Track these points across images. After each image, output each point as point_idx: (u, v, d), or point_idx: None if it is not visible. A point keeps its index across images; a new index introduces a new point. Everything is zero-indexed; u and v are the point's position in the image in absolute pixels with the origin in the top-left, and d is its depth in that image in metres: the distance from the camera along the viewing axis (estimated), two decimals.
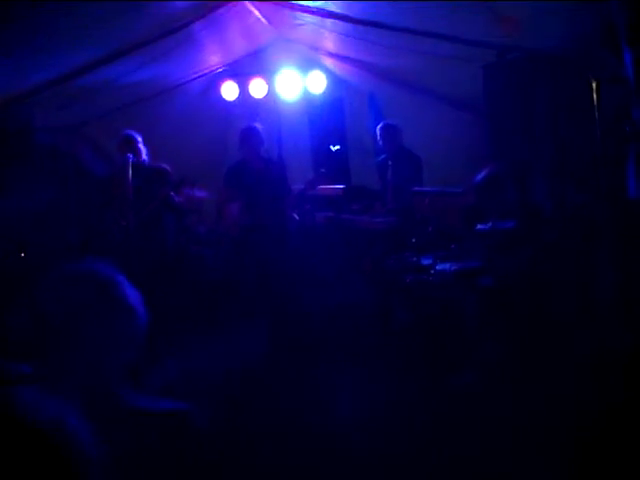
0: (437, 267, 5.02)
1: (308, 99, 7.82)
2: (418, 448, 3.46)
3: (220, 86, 7.69)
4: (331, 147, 6.94)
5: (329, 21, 5.94)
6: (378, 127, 6.42)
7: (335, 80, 7.79)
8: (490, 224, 4.81)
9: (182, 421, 1.56)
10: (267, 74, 7.58)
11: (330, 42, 7.00)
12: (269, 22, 6.77)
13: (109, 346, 1.53)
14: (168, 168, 6.03)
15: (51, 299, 1.53)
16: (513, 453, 3.24)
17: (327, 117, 8.23)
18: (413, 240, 5.36)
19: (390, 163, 6.33)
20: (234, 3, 5.76)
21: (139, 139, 5.88)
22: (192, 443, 1.55)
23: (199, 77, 7.72)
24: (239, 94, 7.67)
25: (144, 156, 5.90)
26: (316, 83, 7.54)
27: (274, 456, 3.45)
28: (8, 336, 1.54)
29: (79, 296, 1.53)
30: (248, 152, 6.16)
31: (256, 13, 6.32)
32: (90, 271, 1.58)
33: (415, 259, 5.23)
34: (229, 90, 7.65)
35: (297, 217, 6.66)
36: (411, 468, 3.27)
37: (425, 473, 3.22)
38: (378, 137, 6.39)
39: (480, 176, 4.92)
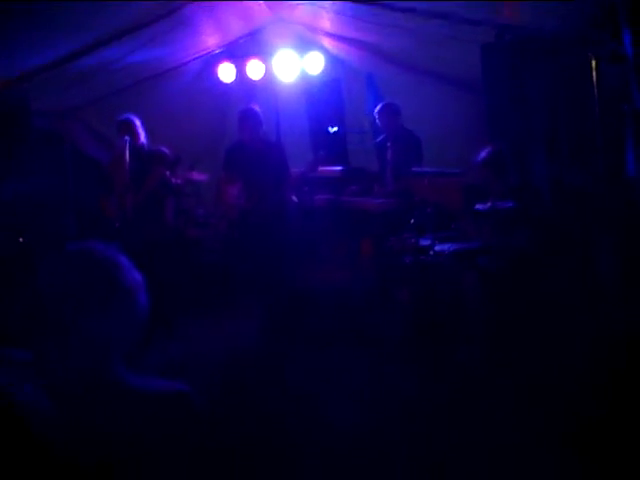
0: (436, 248, 5.03)
1: (306, 80, 7.77)
2: (417, 431, 3.47)
3: (217, 68, 7.64)
4: (329, 128, 6.90)
5: (327, 1, 5.90)
6: (377, 107, 6.39)
7: (333, 61, 7.74)
8: (489, 204, 4.81)
9: (181, 402, 1.57)
10: (264, 55, 7.53)
11: (328, 22, 6.95)
12: (265, 3, 6.72)
13: (109, 327, 1.53)
14: (166, 151, 6.01)
15: (51, 279, 1.54)
16: (513, 436, 3.25)
17: (325, 98, 8.19)
18: (412, 221, 5.36)
19: (389, 144, 6.31)
20: None
21: (137, 123, 5.86)
22: (191, 424, 1.56)
23: (196, 59, 7.67)
24: (236, 76, 7.63)
25: (142, 139, 5.88)
26: (314, 64, 7.49)
27: (272, 438, 3.47)
28: (9, 318, 1.55)
29: (80, 276, 1.54)
30: (247, 134, 6.13)
31: None
32: (91, 252, 1.58)
33: (414, 240, 5.23)
34: (226, 72, 7.61)
35: (296, 199, 6.65)
36: (411, 450, 3.29)
37: (424, 456, 3.24)
38: (377, 118, 6.37)
39: (482, 154, 4.91)
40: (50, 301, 1.51)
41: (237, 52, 7.76)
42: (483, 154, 4.91)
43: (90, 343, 1.51)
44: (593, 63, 4.73)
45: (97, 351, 1.53)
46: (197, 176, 6.90)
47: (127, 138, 5.49)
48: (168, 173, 5.95)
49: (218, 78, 7.64)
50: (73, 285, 1.52)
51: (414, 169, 5.61)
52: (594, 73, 4.73)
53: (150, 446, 1.49)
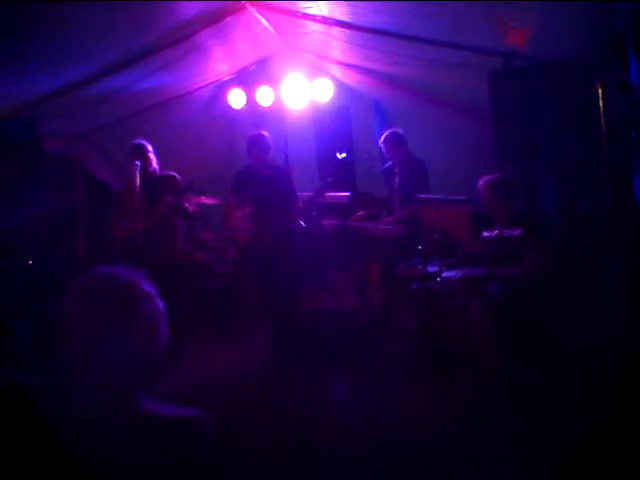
0: (443, 274, 5.03)
1: (314, 107, 7.85)
2: (417, 451, 3.45)
3: (227, 94, 7.74)
4: (337, 154, 6.96)
5: (335, 29, 5.97)
6: (383, 136, 6.43)
7: (341, 88, 7.83)
8: (496, 231, 4.81)
9: (195, 427, 1.57)
10: (274, 82, 7.62)
11: (337, 50, 7.03)
12: (276, 31, 6.81)
13: (130, 354, 1.53)
14: (176, 175, 6.06)
15: (76, 303, 1.54)
16: (510, 460, 3.22)
17: (333, 125, 8.26)
18: (419, 247, 5.36)
19: (396, 170, 6.35)
20: (241, 12, 5.81)
21: (149, 148, 5.91)
22: (204, 448, 1.55)
23: (206, 85, 7.76)
24: (246, 102, 7.72)
25: (154, 165, 5.92)
26: (323, 91, 7.58)
27: (282, 459, 3.46)
28: (21, 341, 1.57)
29: (104, 302, 1.54)
30: (255, 159, 6.18)
31: (263, 22, 6.36)
32: (117, 278, 1.58)
33: (421, 266, 5.23)
34: (236, 98, 7.70)
35: (304, 224, 6.67)
36: (408, 470, 3.27)
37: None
38: (382, 146, 6.41)
39: (488, 179, 4.92)
40: (74, 324, 1.51)
41: (247, 79, 7.86)
42: (489, 179, 4.92)
43: (109, 369, 1.52)
44: (600, 91, 4.75)
45: (115, 377, 1.53)
46: (206, 200, 6.94)
47: (138, 163, 5.53)
48: (179, 198, 5.98)
49: (228, 104, 7.73)
50: (97, 310, 1.53)
51: (421, 195, 5.63)
52: (601, 101, 4.75)
53: (163, 469, 1.49)
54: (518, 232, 4.75)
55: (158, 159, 6.01)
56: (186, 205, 5.94)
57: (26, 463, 1.37)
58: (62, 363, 1.52)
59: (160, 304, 1.61)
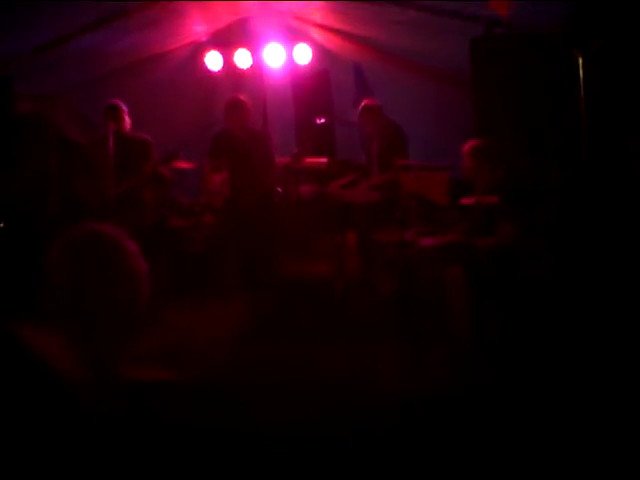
0: (420, 241, 5.03)
1: (293, 70, 7.74)
2: (397, 424, 3.48)
3: (204, 56, 7.59)
4: (316, 119, 6.88)
5: None
6: (359, 108, 6.38)
7: (321, 51, 7.71)
8: (474, 198, 4.82)
9: (168, 389, 1.57)
10: (252, 44, 7.49)
11: (316, 13, 6.93)
12: None
13: (112, 312, 1.53)
14: (149, 139, 5.96)
15: (59, 260, 1.52)
16: (490, 435, 3.26)
17: (313, 89, 8.15)
18: (397, 214, 5.36)
19: (374, 136, 6.31)
20: None
21: (125, 109, 5.81)
22: (182, 412, 1.56)
23: (182, 46, 7.61)
24: (223, 64, 7.57)
25: (127, 126, 5.83)
26: (302, 54, 7.46)
27: (259, 424, 3.48)
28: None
29: (87, 261, 1.53)
30: (233, 123, 6.11)
31: None
32: (100, 236, 1.57)
33: (398, 233, 5.23)
34: (213, 60, 7.55)
35: (281, 190, 6.63)
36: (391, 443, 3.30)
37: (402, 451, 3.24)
38: (359, 118, 6.37)
39: (474, 143, 4.90)
40: (58, 280, 1.50)
41: (224, 40, 7.70)
42: (475, 144, 4.90)
43: (92, 328, 1.51)
44: (580, 60, 4.75)
45: (98, 335, 1.52)
46: (182, 165, 6.85)
47: (112, 124, 5.44)
48: (157, 166, 5.91)
49: (205, 66, 7.59)
50: (81, 267, 1.52)
51: (400, 162, 5.61)
52: (581, 70, 4.75)
53: (142, 433, 1.49)
54: (495, 200, 4.76)
55: (134, 121, 5.91)
56: (161, 170, 5.87)
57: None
58: (46, 319, 1.50)
59: (143, 263, 1.60)
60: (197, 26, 7.24)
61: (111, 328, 1.55)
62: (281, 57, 7.38)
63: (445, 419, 3.44)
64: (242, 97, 6.17)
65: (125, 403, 1.48)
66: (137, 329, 1.64)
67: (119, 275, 1.54)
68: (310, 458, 3.15)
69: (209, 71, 7.59)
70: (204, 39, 7.69)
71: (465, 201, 4.93)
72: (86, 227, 1.60)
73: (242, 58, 7.46)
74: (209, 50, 7.54)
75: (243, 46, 7.46)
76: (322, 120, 6.85)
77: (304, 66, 7.56)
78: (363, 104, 6.36)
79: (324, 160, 6.94)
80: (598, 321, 4.14)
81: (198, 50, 7.70)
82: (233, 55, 7.46)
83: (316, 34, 7.61)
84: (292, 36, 7.48)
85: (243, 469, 2.94)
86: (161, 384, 1.57)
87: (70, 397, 1.14)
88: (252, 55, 7.46)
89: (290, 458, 3.15)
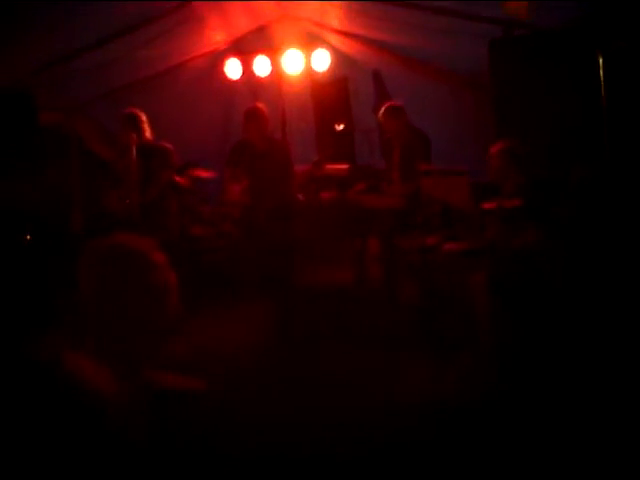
0: (443, 247, 4.99)
1: (312, 77, 7.73)
2: (418, 429, 3.44)
3: (223, 64, 7.61)
4: (336, 126, 6.86)
5: None
6: (381, 110, 6.32)
7: (340, 57, 7.69)
8: (496, 203, 4.76)
9: (198, 398, 1.57)
10: (271, 51, 7.50)
11: (335, 19, 6.92)
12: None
13: (140, 325, 1.52)
14: (170, 147, 5.99)
15: (88, 273, 1.52)
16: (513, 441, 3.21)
17: (332, 95, 8.15)
18: (419, 219, 5.31)
19: (396, 142, 6.26)
20: None
21: (143, 118, 5.84)
22: (207, 419, 1.55)
23: (202, 55, 7.64)
24: (242, 72, 7.59)
25: (148, 135, 5.86)
26: (321, 61, 7.45)
27: (281, 429, 3.47)
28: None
29: (115, 273, 1.52)
30: (252, 132, 6.11)
31: None
32: (128, 247, 1.56)
33: (421, 239, 5.19)
34: (232, 68, 7.57)
35: (302, 197, 6.62)
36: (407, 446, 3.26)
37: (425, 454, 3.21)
38: (381, 120, 6.30)
39: (499, 145, 4.86)
40: (85, 294, 1.49)
41: (244, 48, 7.72)
42: (504, 146, 4.85)
43: (120, 340, 1.50)
44: (600, 60, 4.68)
45: (126, 346, 1.51)
46: (202, 173, 6.87)
47: (132, 133, 5.47)
48: (177, 175, 5.93)
49: (224, 74, 7.61)
50: (109, 279, 1.51)
51: (421, 167, 5.56)
52: (601, 70, 4.68)
53: (166, 439, 1.48)
54: (518, 203, 4.70)
55: (153, 130, 5.94)
56: (178, 179, 5.90)
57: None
58: (72, 334, 1.50)
59: (171, 274, 1.58)
60: (216, 34, 7.27)
61: (139, 340, 1.54)
62: (300, 64, 7.38)
63: (465, 428, 3.39)
64: (260, 105, 6.17)
65: (151, 412, 1.47)
66: (167, 338, 1.64)
67: (147, 287, 1.54)
68: (329, 465, 3.13)
69: (228, 79, 7.62)
70: (223, 47, 7.72)
71: (487, 205, 4.88)
72: (114, 239, 1.59)
73: (261, 65, 7.47)
74: (228, 58, 7.56)
75: (262, 53, 7.48)
76: (341, 127, 6.82)
77: (323, 73, 7.55)
78: (387, 105, 6.29)
79: (345, 167, 6.92)
80: (623, 327, 4.06)
81: (218, 59, 7.73)
82: (252, 63, 7.48)
83: (335, 40, 7.60)
84: (311, 42, 7.48)
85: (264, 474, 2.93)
86: (187, 393, 1.56)
87: (102, 417, 1.14)
88: (271, 62, 7.47)
89: (309, 464, 3.13)
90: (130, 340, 1.52)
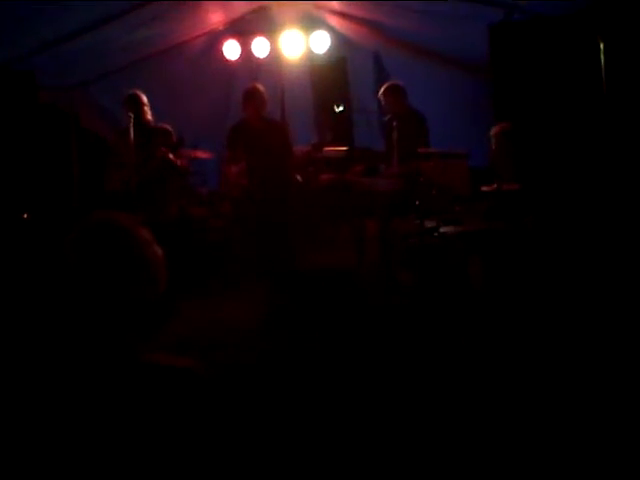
0: (441, 230, 5.01)
1: (311, 58, 7.71)
2: (417, 416, 3.47)
3: (222, 45, 7.57)
4: (335, 108, 6.85)
5: None
6: (382, 87, 6.31)
7: (339, 39, 7.66)
8: (495, 186, 4.79)
9: (192, 375, 1.59)
10: (270, 33, 7.46)
11: (334, 0, 6.89)
12: None
13: (129, 299, 1.54)
14: (170, 128, 5.99)
15: (75, 250, 1.54)
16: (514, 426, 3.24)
17: (331, 77, 8.12)
18: (417, 202, 5.33)
19: (395, 124, 6.26)
20: None
21: (144, 99, 5.84)
22: (202, 397, 1.58)
23: (200, 36, 7.60)
24: (241, 53, 7.56)
25: (148, 116, 5.87)
26: (320, 42, 7.42)
27: (275, 410, 3.51)
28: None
29: (102, 248, 1.54)
30: (251, 113, 6.11)
31: None
32: (114, 224, 1.59)
33: (419, 221, 5.21)
34: (231, 49, 7.53)
35: (300, 179, 6.63)
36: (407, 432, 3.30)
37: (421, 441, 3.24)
38: (382, 98, 6.29)
39: (502, 125, 4.88)
40: (74, 271, 1.52)
41: (242, 29, 7.68)
42: (504, 127, 4.89)
43: (110, 315, 1.53)
44: (602, 46, 4.69)
45: (115, 322, 1.54)
46: (201, 154, 6.87)
47: (131, 114, 5.48)
48: (171, 153, 5.93)
49: (223, 55, 7.58)
50: (96, 256, 1.53)
51: (420, 150, 5.57)
52: (602, 56, 4.69)
53: (156, 415, 1.50)
54: (516, 187, 4.73)
55: (153, 112, 5.94)
56: (173, 158, 5.90)
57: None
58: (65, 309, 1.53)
59: (158, 250, 1.61)
60: (215, 15, 7.22)
61: (129, 314, 1.56)
62: (299, 45, 7.35)
63: (462, 409, 3.44)
64: (258, 86, 6.17)
65: (142, 384, 1.50)
66: (156, 318, 1.66)
67: (132, 261, 1.55)
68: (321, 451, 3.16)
69: (227, 60, 7.58)
70: (222, 28, 7.68)
71: (485, 188, 4.91)
72: (97, 216, 1.62)
73: (260, 47, 7.44)
74: (227, 39, 7.52)
75: (261, 34, 7.44)
76: (340, 108, 6.81)
77: (322, 54, 7.53)
78: (387, 84, 6.27)
79: (344, 148, 6.92)
80: (619, 311, 4.11)
81: (216, 39, 7.68)
82: (251, 44, 7.44)
83: (334, 22, 7.57)
84: (310, 24, 7.45)
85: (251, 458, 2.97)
86: (178, 370, 1.58)
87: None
88: (270, 43, 7.44)
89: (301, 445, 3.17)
90: (119, 313, 1.54)
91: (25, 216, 5.87)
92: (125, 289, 1.53)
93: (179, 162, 5.99)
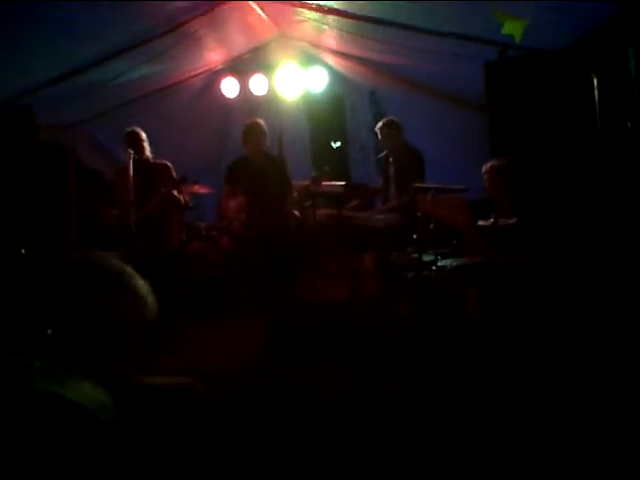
0: (438, 263, 5.02)
1: (308, 96, 7.81)
2: (412, 446, 3.44)
3: (220, 83, 7.68)
4: (332, 144, 6.91)
5: (330, 17, 5.95)
6: (379, 124, 6.40)
7: (336, 77, 7.79)
8: (492, 220, 4.82)
9: (186, 393, 1.59)
10: (268, 71, 7.58)
11: (331, 39, 7.00)
12: (270, 18, 6.77)
13: (122, 331, 1.55)
14: (169, 164, 6.03)
15: (57, 289, 1.56)
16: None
17: (328, 114, 8.22)
18: (414, 236, 5.35)
19: (391, 159, 6.32)
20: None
21: (143, 136, 5.89)
22: (197, 414, 1.58)
23: (200, 74, 7.71)
24: (239, 91, 7.66)
25: (147, 153, 5.91)
26: (317, 80, 7.54)
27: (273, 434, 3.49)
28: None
29: (84, 286, 1.56)
30: (250, 148, 6.16)
31: (257, 9, 6.32)
32: (94, 261, 1.61)
33: (416, 255, 5.22)
34: (229, 87, 7.64)
35: (298, 214, 6.65)
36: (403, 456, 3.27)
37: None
38: (379, 134, 6.38)
39: (495, 162, 4.94)
40: (58, 309, 1.53)
41: (241, 67, 7.80)
42: (496, 163, 4.95)
43: (103, 347, 1.53)
44: (595, 81, 4.76)
45: (109, 354, 1.54)
46: (199, 189, 6.92)
47: (131, 151, 5.52)
48: (172, 190, 5.96)
49: (222, 93, 7.68)
50: (78, 294, 1.54)
51: (417, 184, 5.61)
52: (596, 91, 4.76)
53: (158, 433, 1.50)
54: (513, 221, 4.76)
55: (151, 148, 5.98)
56: (178, 195, 5.93)
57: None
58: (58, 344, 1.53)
59: (141, 282, 1.63)
60: (214, 55, 7.33)
61: (115, 343, 1.57)
62: (296, 83, 7.46)
63: (460, 440, 3.41)
64: (259, 120, 6.23)
65: (133, 403, 1.50)
66: (153, 347, 1.67)
67: (115, 295, 1.57)
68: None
69: (225, 98, 7.68)
70: (220, 67, 7.79)
71: (482, 222, 4.93)
72: (79, 253, 1.65)
73: (258, 84, 7.54)
74: (226, 77, 7.63)
75: (259, 72, 7.55)
76: (337, 144, 6.88)
77: (319, 92, 7.63)
78: (384, 120, 6.38)
79: (341, 183, 6.96)
80: (621, 342, 4.10)
81: (214, 78, 7.80)
82: (249, 81, 7.55)
83: (331, 60, 7.69)
84: (307, 62, 7.57)
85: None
86: (170, 387, 1.59)
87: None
88: (268, 81, 7.55)
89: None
90: (110, 346, 1.55)
91: (23, 251, 5.87)
92: (107, 321, 1.54)
93: (182, 198, 6.02)
